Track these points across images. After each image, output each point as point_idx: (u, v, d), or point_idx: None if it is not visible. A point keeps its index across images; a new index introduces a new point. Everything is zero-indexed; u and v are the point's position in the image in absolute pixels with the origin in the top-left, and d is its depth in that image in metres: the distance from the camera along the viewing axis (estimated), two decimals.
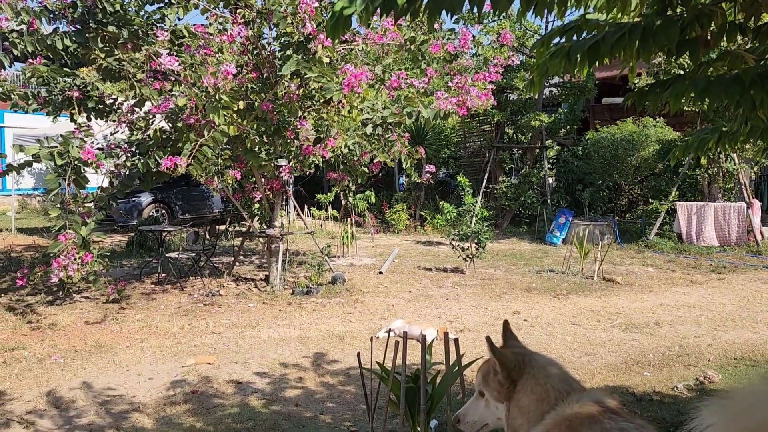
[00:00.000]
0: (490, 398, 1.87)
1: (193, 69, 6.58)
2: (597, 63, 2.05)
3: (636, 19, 2.16)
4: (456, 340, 3.76)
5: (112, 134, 7.52)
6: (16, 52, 6.81)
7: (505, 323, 2.02)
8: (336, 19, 2.12)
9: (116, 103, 7.41)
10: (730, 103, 1.95)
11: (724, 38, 2.03)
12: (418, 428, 3.58)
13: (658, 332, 6.39)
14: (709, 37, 2.00)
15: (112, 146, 7.12)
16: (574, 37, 2.01)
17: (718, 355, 5.63)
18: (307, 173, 8.31)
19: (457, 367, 3.71)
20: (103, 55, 7.00)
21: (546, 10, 1.85)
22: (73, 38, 6.88)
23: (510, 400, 1.80)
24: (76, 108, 7.01)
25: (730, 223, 11.76)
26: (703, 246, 11.69)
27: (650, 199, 13.74)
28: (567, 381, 1.78)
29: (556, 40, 2.07)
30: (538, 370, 1.79)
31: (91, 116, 7.35)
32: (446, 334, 3.67)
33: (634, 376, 5.09)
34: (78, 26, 6.93)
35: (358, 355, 3.79)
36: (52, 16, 6.95)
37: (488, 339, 1.85)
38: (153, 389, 4.92)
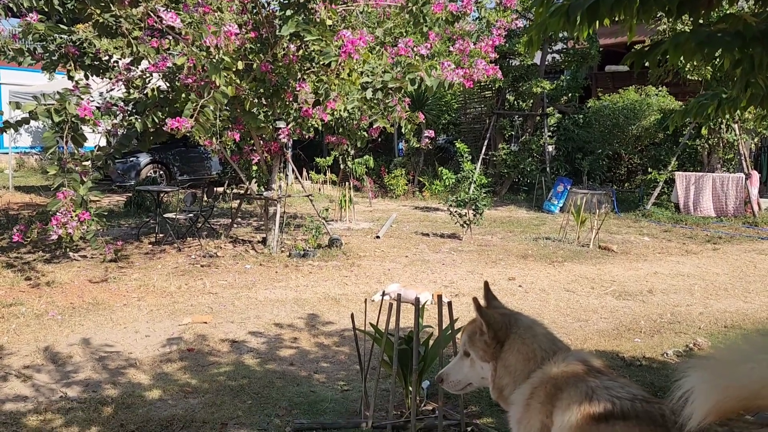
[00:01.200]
0: (475, 358, 1.89)
1: (193, 27, 6.48)
2: (597, 23, 2.02)
3: None
4: (449, 304, 3.80)
5: (107, 92, 7.44)
6: (11, 5, 6.69)
7: (486, 284, 2.02)
8: None
9: (112, 61, 7.32)
10: (728, 57, 1.92)
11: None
12: (410, 388, 3.64)
13: (651, 300, 6.45)
14: None
15: (109, 105, 7.06)
16: None
17: (709, 323, 5.70)
18: (306, 137, 8.27)
19: (450, 330, 3.76)
20: (99, 11, 6.88)
21: None
22: None
23: (496, 360, 1.82)
24: (73, 64, 6.92)
25: (728, 194, 11.76)
26: (699, 216, 11.71)
27: (649, 169, 13.71)
28: (553, 341, 1.80)
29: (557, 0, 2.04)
30: (525, 330, 1.81)
31: (88, 73, 7.26)
32: (440, 297, 3.70)
33: (625, 342, 5.16)
34: None
35: (352, 316, 3.84)
36: None
37: (475, 300, 1.87)
38: (149, 346, 4.98)
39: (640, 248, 9.17)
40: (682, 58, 2.11)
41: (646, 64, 2.35)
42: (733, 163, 12.55)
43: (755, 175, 11.84)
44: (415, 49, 6.84)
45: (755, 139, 12.87)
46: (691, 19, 1.96)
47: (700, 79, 11.41)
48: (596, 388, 1.56)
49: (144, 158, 14.43)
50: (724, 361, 1.24)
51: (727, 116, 2.85)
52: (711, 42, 1.89)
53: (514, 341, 1.80)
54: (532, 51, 2.25)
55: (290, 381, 4.33)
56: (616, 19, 2.06)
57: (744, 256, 8.66)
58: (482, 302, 1.94)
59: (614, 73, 16.97)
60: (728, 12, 2.20)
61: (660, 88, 14.08)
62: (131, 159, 14.21)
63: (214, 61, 6.22)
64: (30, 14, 6.53)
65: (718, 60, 2.29)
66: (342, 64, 6.51)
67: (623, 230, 10.67)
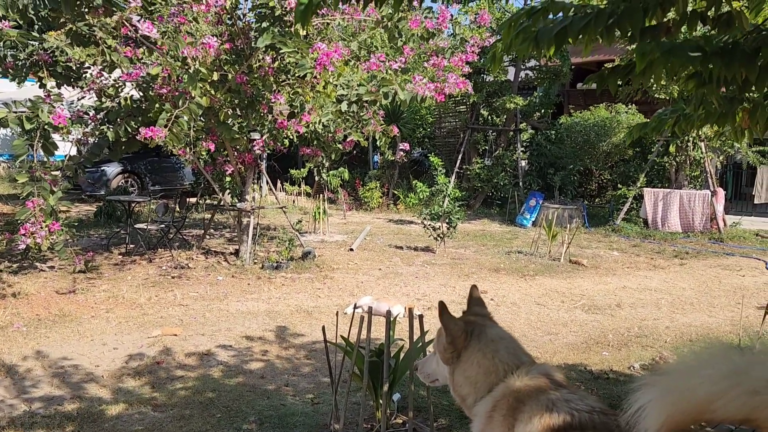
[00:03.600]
0: (438, 357, 1.95)
1: (169, 37, 6.46)
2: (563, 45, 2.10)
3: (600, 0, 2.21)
4: (421, 317, 3.83)
5: (78, 100, 7.36)
6: None
7: (474, 289, 2.07)
8: (306, 6, 2.14)
9: (83, 69, 7.25)
10: (690, 67, 2.02)
11: (686, 26, 2.09)
12: (381, 401, 3.65)
13: (619, 314, 6.56)
14: (670, 25, 2.05)
15: (80, 113, 6.99)
16: (541, 20, 2.05)
17: (675, 336, 5.81)
18: (281, 149, 8.28)
19: (420, 343, 3.78)
20: (72, 19, 6.82)
21: None
22: (46, 2, 6.68)
23: (454, 366, 1.87)
24: (45, 72, 6.84)
25: (695, 210, 12.03)
26: (667, 232, 11.95)
27: (619, 185, 13.97)
28: (516, 355, 1.83)
29: (522, 22, 2.11)
30: (486, 345, 1.84)
31: (59, 82, 7.18)
32: (411, 310, 3.73)
33: (593, 355, 5.24)
34: None
35: (323, 328, 3.84)
36: None
37: (441, 303, 1.90)
38: (117, 359, 4.91)
39: (609, 263, 9.32)
40: (646, 77, 2.20)
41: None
42: (699, 180, 12.85)
43: (720, 192, 12.15)
44: (386, 63, 6.91)
45: (720, 157, 13.21)
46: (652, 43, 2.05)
47: (667, 97, 11.70)
48: (556, 401, 1.60)
49: (114, 168, 14.25)
50: (673, 377, 1.28)
51: (689, 133, 2.96)
52: (675, 53, 1.99)
53: (474, 354, 1.83)
54: (494, 67, 2.33)
55: (260, 394, 4.31)
56: (580, 37, 2.14)
57: (709, 271, 8.86)
58: (455, 308, 1.98)
59: (586, 90, 17.30)
60: (687, 37, 2.30)
61: (629, 106, 14.39)
62: (102, 168, 14.03)
63: (191, 72, 6.21)
64: (2, 21, 6.44)
65: (677, 77, 2.38)
66: (317, 76, 6.55)
67: (593, 245, 10.84)
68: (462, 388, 1.84)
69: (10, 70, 6.94)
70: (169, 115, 6.31)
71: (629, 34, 2.05)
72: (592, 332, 5.92)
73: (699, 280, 8.25)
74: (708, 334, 5.91)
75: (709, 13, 2.15)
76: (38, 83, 6.95)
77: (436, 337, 1.97)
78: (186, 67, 6.26)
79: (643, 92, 11.40)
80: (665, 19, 2.07)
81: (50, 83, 6.92)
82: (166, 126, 6.25)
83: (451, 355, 1.86)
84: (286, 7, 6.50)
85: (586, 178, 15.48)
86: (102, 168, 14.01)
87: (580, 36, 2.07)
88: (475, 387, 1.79)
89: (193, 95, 6.26)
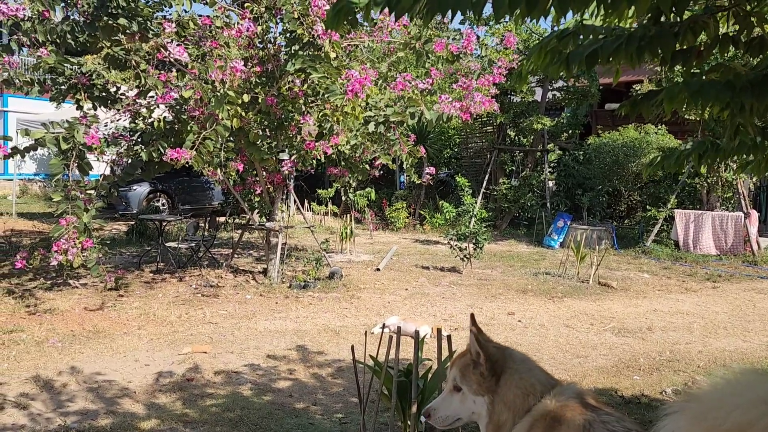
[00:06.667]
0: (468, 392, 1.87)
1: (200, 61, 6.64)
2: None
3: (630, 22, 2.23)
4: (449, 337, 3.82)
5: (111, 122, 7.56)
6: (25, 40, 6.84)
7: (472, 317, 1.98)
8: (339, 9, 2.10)
9: (119, 92, 7.46)
10: (719, 105, 2.01)
11: (717, 49, 2.09)
12: (409, 422, 3.64)
13: (650, 337, 6.45)
14: (702, 49, 2.06)
15: (116, 135, 7.18)
16: (571, 43, 2.08)
17: (708, 361, 5.69)
18: (309, 168, 8.39)
19: (448, 363, 3.77)
20: (109, 44, 7.04)
21: (543, 16, 1.90)
22: (84, 29, 6.93)
23: (493, 394, 1.82)
24: (83, 95, 7.05)
25: (727, 233, 11.82)
26: (699, 254, 11.74)
27: (649, 206, 13.80)
28: (548, 375, 1.83)
29: (552, 45, 2.14)
30: (520, 364, 1.83)
31: (96, 104, 7.39)
32: (439, 330, 3.73)
33: (624, 379, 5.15)
34: (89, 17, 6.96)
35: (352, 348, 3.85)
36: (64, 4, 7.00)
37: (474, 327, 1.86)
38: (149, 375, 4.98)
39: (639, 285, 9.19)
40: (678, 106, 2.20)
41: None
42: (732, 201, 12.63)
43: (754, 214, 11.91)
44: (413, 83, 6.97)
45: (754, 179, 12.98)
46: (684, 68, 2.06)
47: (698, 118, 11.57)
48: (593, 422, 1.60)
49: (145, 187, 14.53)
50: (703, 404, 1.27)
51: (709, 163, 2.89)
52: (703, 93, 1.98)
53: (512, 376, 1.81)
54: (520, 84, 2.35)
55: (289, 412, 4.33)
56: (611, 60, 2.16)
57: (743, 294, 8.67)
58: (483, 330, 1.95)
59: (614, 111, 17.19)
60: (719, 62, 2.30)
61: (659, 127, 14.26)
62: (134, 188, 14.33)
63: (219, 95, 6.35)
64: (42, 48, 6.67)
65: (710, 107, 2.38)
66: (347, 102, 6.62)
67: (623, 267, 10.69)
68: (502, 415, 1.79)
69: (50, 93, 7.19)
70: (196, 136, 6.46)
71: (660, 58, 2.06)
72: (623, 356, 5.82)
73: (733, 304, 8.08)
74: (742, 360, 5.77)
75: (741, 37, 2.15)
76: (75, 105, 7.17)
77: (461, 371, 1.88)
78: (215, 91, 6.41)
79: (673, 113, 11.30)
80: (696, 43, 2.08)
81: (87, 105, 7.13)
82: (192, 147, 6.40)
83: (490, 383, 1.80)
84: (313, 35, 6.62)
85: (615, 199, 15.32)
86: (134, 188, 14.30)
87: (611, 59, 2.09)
88: (514, 412, 1.76)
89: (220, 118, 6.40)
